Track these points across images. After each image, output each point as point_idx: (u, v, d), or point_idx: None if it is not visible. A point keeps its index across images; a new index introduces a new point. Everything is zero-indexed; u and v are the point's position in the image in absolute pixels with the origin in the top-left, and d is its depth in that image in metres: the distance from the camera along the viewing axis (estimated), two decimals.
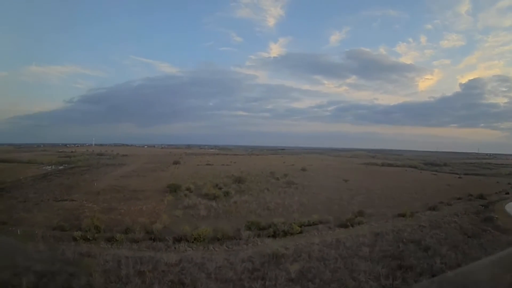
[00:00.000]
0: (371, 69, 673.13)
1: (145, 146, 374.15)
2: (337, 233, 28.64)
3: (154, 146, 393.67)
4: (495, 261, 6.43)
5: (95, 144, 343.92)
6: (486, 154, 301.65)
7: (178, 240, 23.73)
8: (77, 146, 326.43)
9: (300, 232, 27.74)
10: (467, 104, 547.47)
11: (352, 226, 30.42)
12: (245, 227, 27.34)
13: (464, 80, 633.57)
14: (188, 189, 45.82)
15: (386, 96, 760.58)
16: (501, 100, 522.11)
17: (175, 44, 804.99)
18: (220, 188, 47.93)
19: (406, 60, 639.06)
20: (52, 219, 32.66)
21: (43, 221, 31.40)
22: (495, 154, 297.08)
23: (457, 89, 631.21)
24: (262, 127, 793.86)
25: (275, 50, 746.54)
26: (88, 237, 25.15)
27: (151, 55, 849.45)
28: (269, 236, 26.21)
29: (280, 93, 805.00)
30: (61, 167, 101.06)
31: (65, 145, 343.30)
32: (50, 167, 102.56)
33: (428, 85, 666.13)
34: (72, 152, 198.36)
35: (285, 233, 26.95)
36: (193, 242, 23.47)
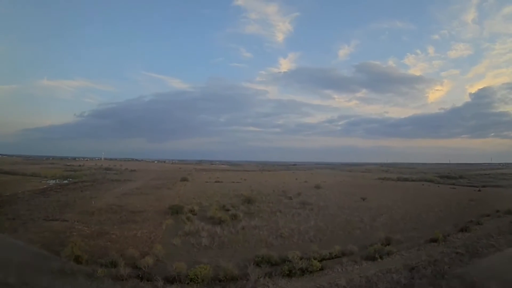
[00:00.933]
0: (381, 82, 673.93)
1: (155, 162, 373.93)
2: (364, 268, 23.91)
3: (164, 162, 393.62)
4: None
5: (105, 158, 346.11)
6: (499, 164, 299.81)
7: (170, 281, 19.57)
8: (86, 159, 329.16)
9: (321, 269, 23.18)
10: (477, 114, 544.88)
11: (381, 258, 25.69)
12: (253, 263, 23.00)
13: (473, 90, 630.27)
14: (192, 211, 41.89)
15: (396, 109, 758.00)
16: (511, 108, 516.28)
17: (186, 60, 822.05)
18: (227, 210, 43.92)
19: (415, 72, 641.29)
20: (35, 243, 29.27)
21: (23, 245, 28.12)
22: (508, 163, 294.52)
23: (467, 99, 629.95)
24: (273, 142, 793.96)
25: (285, 65, 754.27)
26: (65, 270, 21.41)
27: (162, 70, 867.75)
28: (283, 275, 21.79)
29: (291, 108, 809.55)
30: (65, 181, 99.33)
31: (74, 158, 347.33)
32: (53, 181, 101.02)
33: (437, 97, 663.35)
34: (80, 165, 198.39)
35: (303, 271, 22.50)
36: (188, 284, 19.32)
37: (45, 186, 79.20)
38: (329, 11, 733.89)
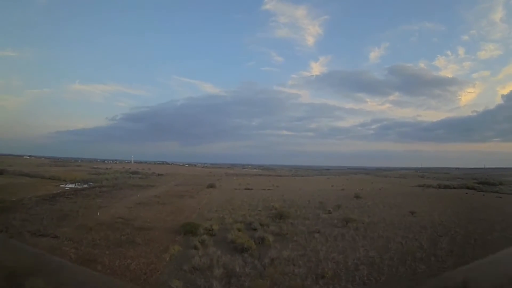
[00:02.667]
0: (413, 84, 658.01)
1: (186, 165, 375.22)
2: None
3: (195, 165, 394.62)
4: None
5: (135, 161, 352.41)
6: None
7: None
8: (116, 162, 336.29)
9: None
10: (509, 116, 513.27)
11: None
12: None
13: (505, 91, 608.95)
14: (209, 230, 34.00)
15: (429, 112, 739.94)
16: None
17: (217, 64, 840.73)
18: (254, 229, 35.95)
19: (446, 73, 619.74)
20: (2, 268, 23.07)
21: None
22: None
23: (499, 101, 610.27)
24: (306, 146, 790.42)
25: (316, 69, 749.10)
26: None
27: (193, 75, 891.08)
28: None
29: (324, 112, 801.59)
30: (84, 186, 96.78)
31: (104, 161, 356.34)
32: (72, 185, 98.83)
33: (470, 99, 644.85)
34: (106, 168, 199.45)
35: None
36: None
37: (58, 191, 75.77)
38: (357, 13, 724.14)
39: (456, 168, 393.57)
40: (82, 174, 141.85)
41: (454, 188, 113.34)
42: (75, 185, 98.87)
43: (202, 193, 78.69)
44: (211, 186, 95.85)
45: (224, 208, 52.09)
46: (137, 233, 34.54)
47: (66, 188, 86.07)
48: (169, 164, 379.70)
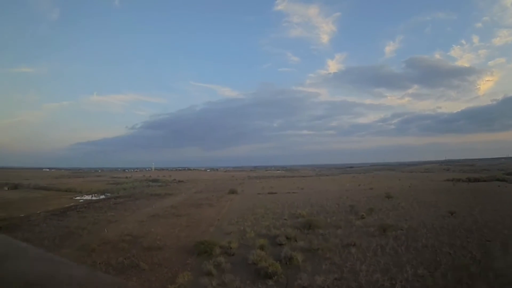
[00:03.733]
0: (432, 76, 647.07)
1: (208, 170, 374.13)
2: None
3: (217, 170, 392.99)
4: None
5: (155, 168, 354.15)
6: None
7: None
8: (136, 170, 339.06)
9: None
10: None
11: None
12: None
13: None
14: (227, 249, 29.39)
15: (448, 104, 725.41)
16: None
17: (234, 68, 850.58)
18: (280, 245, 31.13)
19: (463, 63, 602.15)
20: None
21: None
22: None
23: None
24: (328, 145, 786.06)
25: (333, 66, 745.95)
26: None
27: (211, 80, 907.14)
28: None
29: (344, 109, 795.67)
30: (101, 197, 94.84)
31: (124, 170, 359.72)
32: (89, 196, 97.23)
33: (488, 88, 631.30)
34: (126, 177, 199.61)
35: None
36: None
37: (71, 204, 73.61)
38: (369, 8, 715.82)
39: (479, 159, 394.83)
40: (100, 184, 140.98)
41: (484, 181, 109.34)
42: (92, 196, 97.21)
43: (222, 200, 74.36)
44: (233, 192, 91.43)
45: (246, 218, 47.34)
46: (143, 255, 30.36)
47: (81, 200, 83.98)
48: (190, 170, 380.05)
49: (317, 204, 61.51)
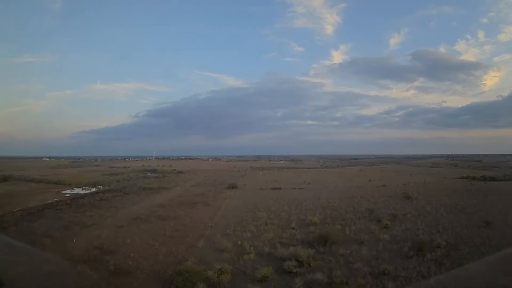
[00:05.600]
0: (438, 69, 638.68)
1: (210, 159, 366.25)
2: None
3: (220, 159, 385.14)
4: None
5: (157, 157, 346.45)
6: None
7: None
8: (137, 159, 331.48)
9: None
10: None
11: None
12: None
13: None
14: (216, 285, 21.21)
15: (454, 98, 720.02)
16: None
17: (238, 57, 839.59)
18: (289, 273, 23.00)
19: (468, 58, 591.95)
20: None
21: None
22: None
23: None
24: (332, 135, 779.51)
25: (337, 57, 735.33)
26: None
27: (215, 69, 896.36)
28: None
29: (348, 100, 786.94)
30: (91, 190, 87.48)
31: (125, 159, 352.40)
32: (79, 189, 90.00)
33: (494, 83, 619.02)
34: (125, 167, 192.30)
35: None
36: None
37: (54, 200, 66.18)
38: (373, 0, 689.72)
39: (484, 155, 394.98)
40: (95, 175, 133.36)
41: (501, 180, 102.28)
42: (82, 189, 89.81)
43: (220, 197, 66.11)
44: (233, 186, 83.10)
45: (245, 225, 38.90)
46: (104, 286, 22.40)
47: (67, 195, 76.26)
48: (192, 159, 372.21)
49: (328, 205, 53.20)
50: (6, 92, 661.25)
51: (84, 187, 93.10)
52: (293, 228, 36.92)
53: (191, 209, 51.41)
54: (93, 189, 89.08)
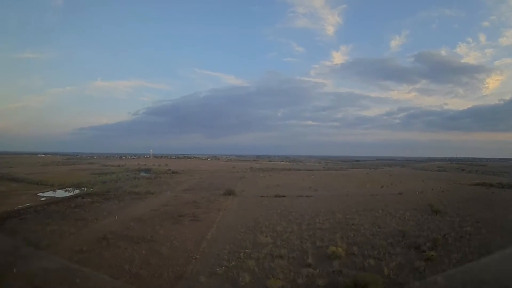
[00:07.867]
0: (441, 72, 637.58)
1: (208, 159, 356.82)
2: None
3: (219, 158, 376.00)
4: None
5: (155, 155, 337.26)
6: None
7: None
8: (133, 157, 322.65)
9: None
10: None
11: None
12: None
13: None
14: None
15: (455, 101, 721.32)
16: None
17: (238, 56, 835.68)
18: None
19: (468, 61, 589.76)
20: None
21: None
22: None
23: None
24: (332, 136, 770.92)
25: (338, 58, 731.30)
26: None
27: (215, 67, 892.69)
28: None
29: (349, 101, 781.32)
30: (75, 192, 79.15)
31: (121, 156, 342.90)
32: (61, 190, 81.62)
33: (496, 87, 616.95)
34: (118, 165, 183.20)
35: None
36: None
37: (26, 205, 58.23)
38: (375, 1, 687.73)
39: (487, 159, 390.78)
40: (84, 174, 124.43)
41: None
42: (65, 190, 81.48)
43: (214, 207, 56.64)
44: (230, 193, 73.61)
45: (243, 259, 28.83)
46: None
47: (43, 198, 67.58)
48: (190, 158, 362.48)
49: (347, 223, 43.61)
50: (6, 88, 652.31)
51: (66, 189, 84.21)
52: (310, 266, 26.90)
53: (175, 226, 41.92)
54: (76, 191, 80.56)
